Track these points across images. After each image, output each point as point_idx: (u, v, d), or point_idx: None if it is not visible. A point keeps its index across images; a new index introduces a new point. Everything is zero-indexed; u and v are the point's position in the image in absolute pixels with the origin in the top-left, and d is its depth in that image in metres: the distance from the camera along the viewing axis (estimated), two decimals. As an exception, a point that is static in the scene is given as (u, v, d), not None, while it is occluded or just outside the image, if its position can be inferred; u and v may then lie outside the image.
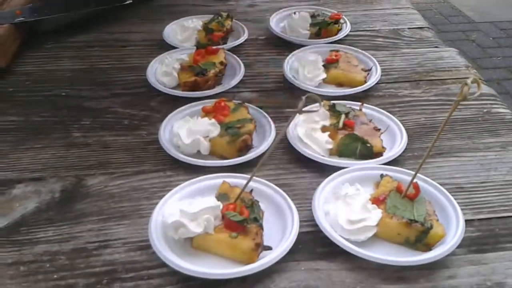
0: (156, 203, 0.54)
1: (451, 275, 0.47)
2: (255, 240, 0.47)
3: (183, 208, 0.48)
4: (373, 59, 0.79)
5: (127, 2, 0.95)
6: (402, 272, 0.47)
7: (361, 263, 0.48)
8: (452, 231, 0.49)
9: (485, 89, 0.76)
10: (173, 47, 0.83)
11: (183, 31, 0.86)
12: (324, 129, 0.63)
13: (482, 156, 0.62)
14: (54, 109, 0.71)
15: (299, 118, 0.64)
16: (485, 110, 0.71)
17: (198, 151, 0.62)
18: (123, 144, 0.64)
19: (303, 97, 0.48)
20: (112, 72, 0.79)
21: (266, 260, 0.46)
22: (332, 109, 0.65)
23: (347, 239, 0.49)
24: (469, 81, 0.48)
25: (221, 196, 0.52)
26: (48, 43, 0.87)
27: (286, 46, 0.85)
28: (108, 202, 0.55)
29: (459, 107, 0.70)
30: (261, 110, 0.67)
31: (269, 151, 0.50)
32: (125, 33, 0.91)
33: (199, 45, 0.78)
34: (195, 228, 0.47)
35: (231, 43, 0.84)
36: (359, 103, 0.67)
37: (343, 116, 0.64)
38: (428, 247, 0.49)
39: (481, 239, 0.51)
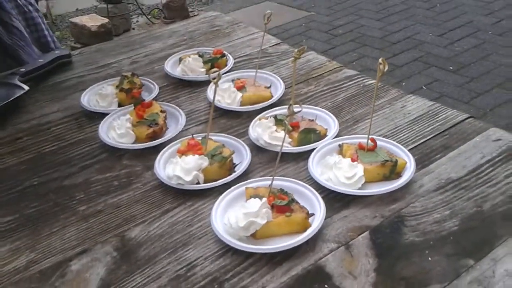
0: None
1: (421, 185, 0.70)
2: (304, 211, 0.64)
3: (245, 211, 0.62)
4: (271, 74, 1.00)
5: (26, 89, 0.98)
6: (394, 196, 0.69)
7: (368, 200, 0.68)
8: (407, 159, 0.73)
9: (350, 72, 1.03)
10: (103, 114, 0.91)
11: (103, 98, 0.94)
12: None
13: (382, 113, 0.88)
14: (40, 197, 0.74)
15: (256, 129, 0.82)
16: (361, 85, 0.98)
17: (197, 182, 0.74)
18: (131, 199, 0.73)
19: (289, 105, 0.66)
20: (63, 151, 0.85)
21: (317, 222, 0.63)
22: (276, 120, 0.83)
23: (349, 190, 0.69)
24: (380, 60, 0.72)
25: (254, 197, 0.66)
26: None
27: (193, 85, 1.01)
28: (162, 241, 0.65)
29: (346, 89, 0.95)
30: (222, 134, 0.83)
31: (278, 157, 0.67)
32: (40, 118, 0.95)
33: (135, 103, 0.89)
34: (261, 220, 0.62)
35: (152, 95, 0.96)
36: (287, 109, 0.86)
37: (286, 122, 0.83)
38: (398, 175, 0.72)
39: (421, 158, 0.75)
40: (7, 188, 0.77)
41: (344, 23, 4.13)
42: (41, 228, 0.69)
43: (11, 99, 0.95)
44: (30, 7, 1.20)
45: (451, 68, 3.34)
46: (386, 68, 0.73)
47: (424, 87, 3.16)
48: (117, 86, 0.97)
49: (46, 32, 1.24)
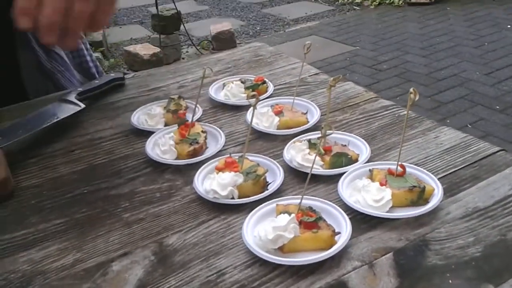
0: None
1: (447, 212, 0.73)
2: (331, 229, 0.67)
3: (274, 225, 0.66)
4: (308, 102, 1.05)
5: (82, 107, 1.07)
6: (420, 221, 0.71)
7: (394, 224, 0.71)
8: (435, 186, 0.75)
9: (385, 102, 1.07)
10: (150, 132, 0.98)
11: (151, 118, 1.02)
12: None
13: (415, 142, 0.91)
14: (89, 204, 0.81)
15: (290, 152, 0.86)
16: (396, 115, 1.01)
17: (232, 197, 0.79)
18: (170, 210, 0.78)
19: (322, 126, 0.71)
20: (113, 164, 0.92)
21: (343, 240, 0.66)
22: (309, 143, 0.88)
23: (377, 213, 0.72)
24: (411, 90, 0.76)
25: (284, 213, 0.70)
26: (31, 159, 0.95)
27: (234, 109, 1.07)
28: (196, 249, 0.70)
29: (381, 118, 0.99)
30: (258, 155, 0.87)
31: (308, 177, 0.71)
32: (93, 133, 1.03)
33: (179, 123, 0.95)
34: (289, 234, 0.66)
35: (195, 117, 1.02)
36: (320, 134, 0.90)
37: (319, 146, 0.87)
38: (425, 201, 0.74)
39: (449, 187, 0.78)
40: (59, 195, 0.84)
41: (388, 58, 4.16)
42: (88, 231, 0.75)
43: (68, 114, 1.04)
44: None
45: (497, 107, 3.30)
46: (417, 97, 0.76)
47: (469, 125, 3.13)
48: (164, 108, 1.05)
49: (88, 58, 1.31)
